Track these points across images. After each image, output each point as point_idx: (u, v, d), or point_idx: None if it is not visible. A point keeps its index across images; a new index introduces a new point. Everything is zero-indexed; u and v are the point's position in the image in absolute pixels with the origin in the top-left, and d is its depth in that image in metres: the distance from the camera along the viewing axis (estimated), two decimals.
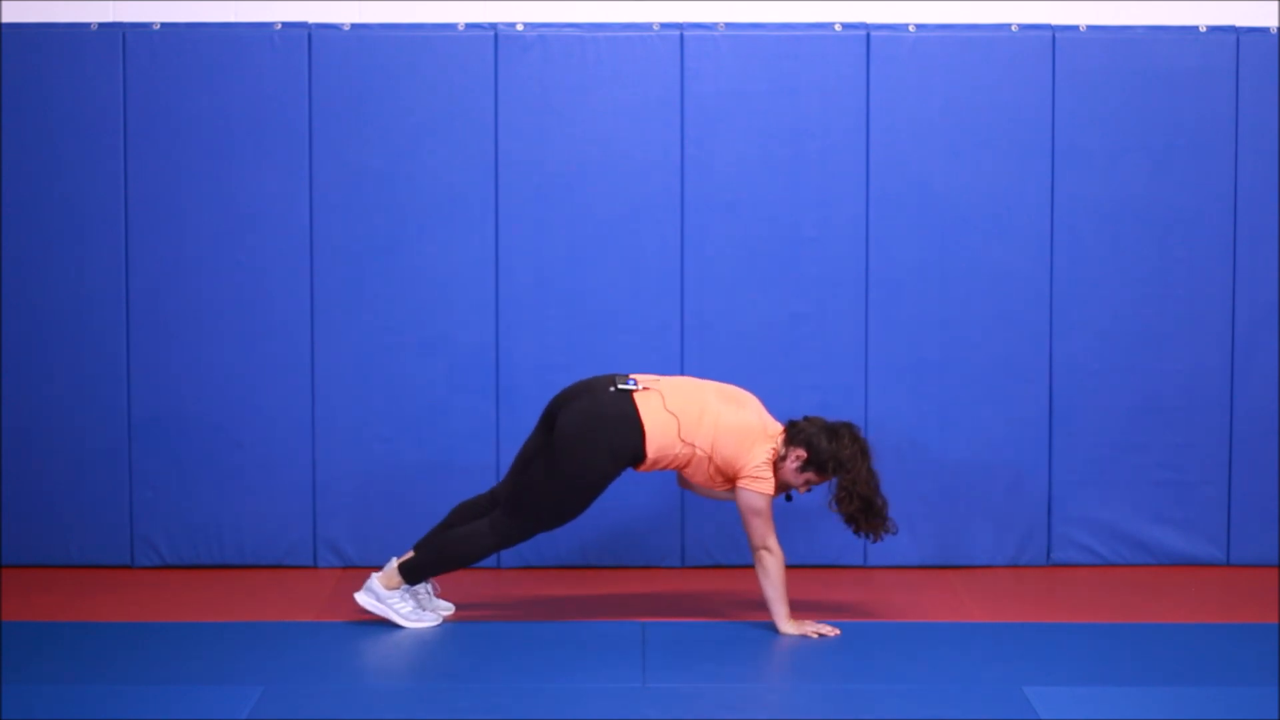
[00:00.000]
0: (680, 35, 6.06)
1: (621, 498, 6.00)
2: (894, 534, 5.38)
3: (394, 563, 5.39)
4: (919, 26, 6.07)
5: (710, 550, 6.17)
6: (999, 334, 6.13)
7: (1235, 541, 6.20)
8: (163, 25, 6.03)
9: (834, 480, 5.26)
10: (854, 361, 6.12)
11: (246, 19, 6.10)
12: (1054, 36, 6.07)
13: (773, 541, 5.23)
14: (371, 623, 5.36)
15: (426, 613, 5.40)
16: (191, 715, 4.50)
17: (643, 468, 5.30)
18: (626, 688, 4.75)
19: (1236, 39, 6.08)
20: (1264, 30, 6.09)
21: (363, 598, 5.37)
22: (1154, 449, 6.17)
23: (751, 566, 5.32)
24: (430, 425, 6.11)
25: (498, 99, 6.05)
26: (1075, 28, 6.09)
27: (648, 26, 6.07)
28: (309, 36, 6.03)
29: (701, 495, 5.51)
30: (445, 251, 6.08)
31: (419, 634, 5.30)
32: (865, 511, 5.25)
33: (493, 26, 6.06)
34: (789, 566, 5.51)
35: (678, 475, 5.53)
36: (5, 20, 6.04)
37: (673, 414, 5.24)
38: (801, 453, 5.24)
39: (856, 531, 5.31)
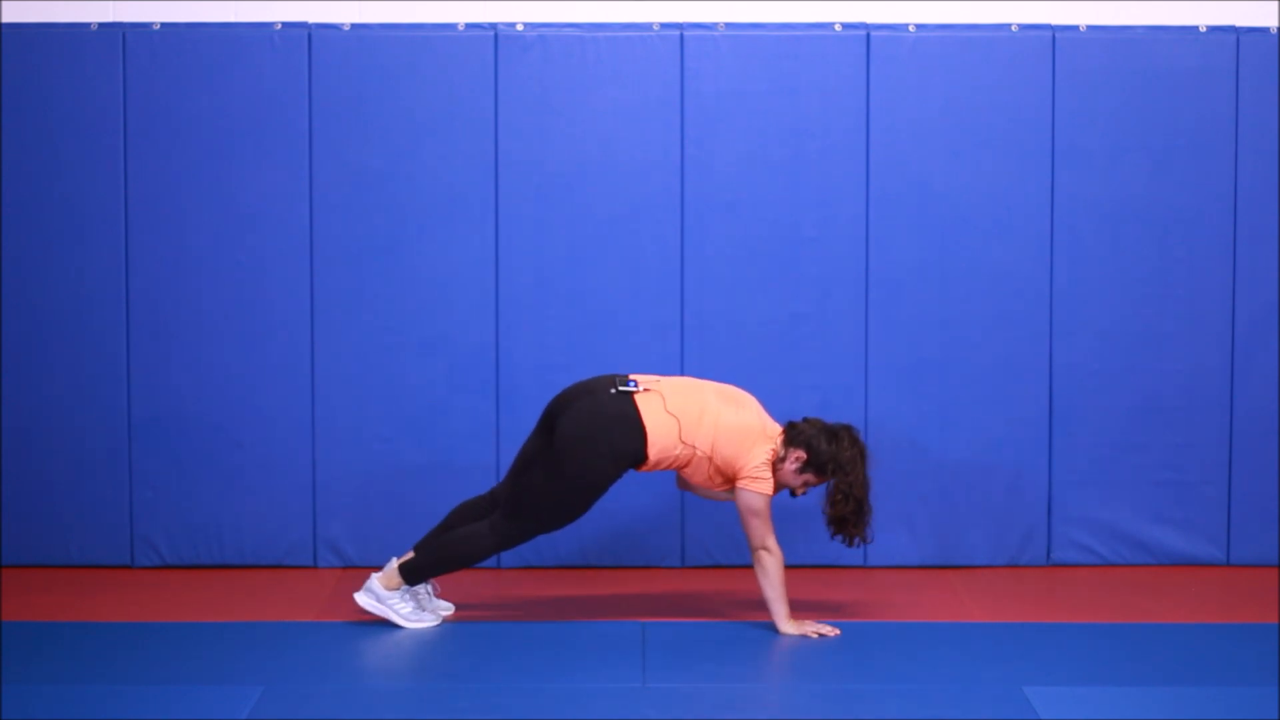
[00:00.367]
0: (680, 35, 6.06)
1: (621, 498, 6.00)
2: (869, 543, 5.38)
3: (394, 563, 5.39)
4: (919, 26, 6.07)
5: (710, 550, 6.17)
6: (999, 334, 6.13)
7: (1235, 541, 6.20)
8: (163, 25, 6.03)
9: (830, 481, 5.27)
10: (854, 361, 6.12)
11: (246, 19, 6.10)
12: (1054, 36, 6.07)
13: (772, 542, 5.23)
14: (371, 623, 5.36)
15: (426, 613, 5.40)
16: (191, 715, 4.50)
17: (643, 468, 5.31)
18: (626, 688, 4.75)
19: (1236, 39, 6.08)
20: (1264, 30, 6.09)
21: (362, 598, 5.37)
22: (1154, 449, 6.17)
23: (751, 566, 5.32)
24: (430, 425, 6.11)
25: (498, 99, 6.06)
26: (1075, 28, 6.09)
27: (648, 26, 6.07)
28: (309, 36, 6.03)
29: (701, 496, 5.52)
30: (445, 251, 6.08)
31: (419, 634, 5.30)
32: (855, 514, 5.26)
33: (493, 26, 6.06)
34: (789, 566, 5.51)
35: (676, 476, 5.53)
36: (5, 20, 6.04)
37: (673, 415, 5.24)
38: (801, 454, 5.24)
39: (836, 533, 5.31)
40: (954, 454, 6.15)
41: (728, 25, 6.08)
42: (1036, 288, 6.12)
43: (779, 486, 5.29)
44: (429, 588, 5.47)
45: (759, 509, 5.23)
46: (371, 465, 6.12)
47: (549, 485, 5.24)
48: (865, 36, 6.05)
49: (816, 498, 5.40)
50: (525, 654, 5.07)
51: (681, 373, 6.05)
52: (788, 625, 5.27)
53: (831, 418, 5.67)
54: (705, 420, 5.25)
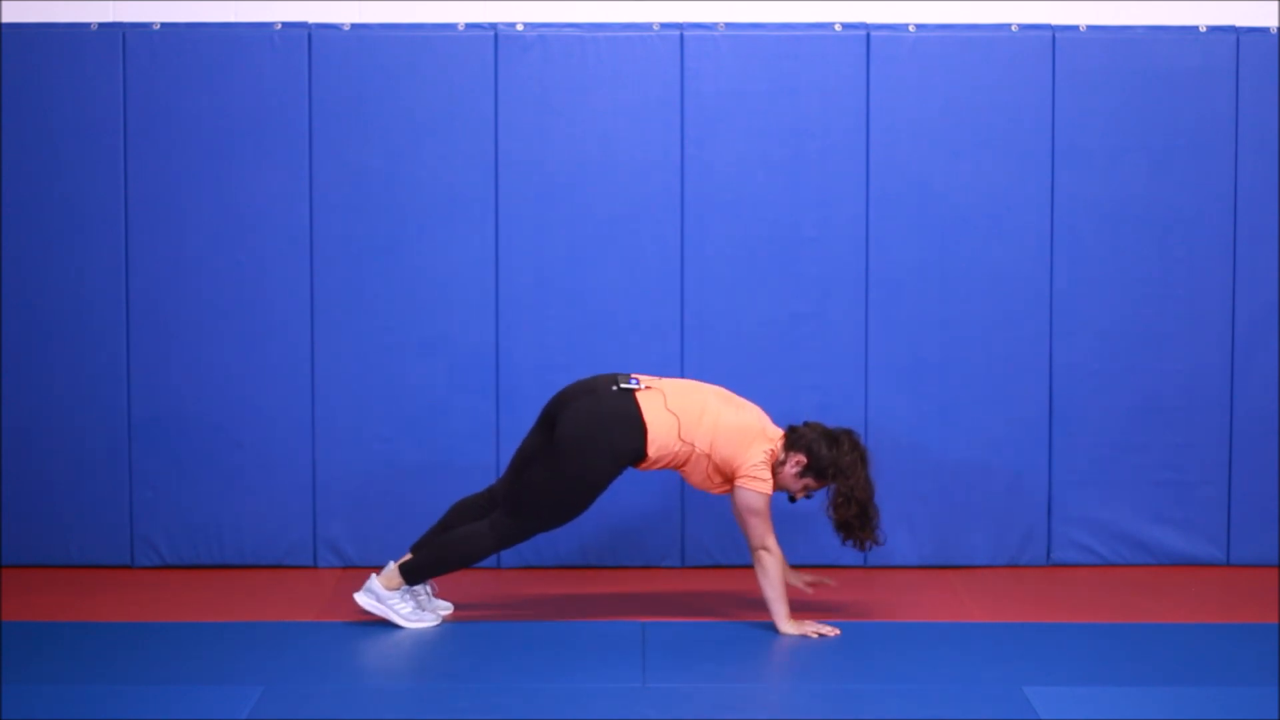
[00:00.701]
0: (680, 35, 6.06)
1: (622, 498, 6.01)
2: (880, 545, 5.38)
3: (393, 565, 5.39)
4: (919, 26, 6.07)
5: (710, 550, 6.17)
6: (999, 334, 6.13)
7: (1235, 541, 6.20)
8: (163, 25, 6.03)
9: (832, 485, 5.27)
10: (854, 361, 6.12)
11: (246, 19, 6.10)
12: (1054, 36, 6.07)
13: (771, 541, 5.23)
14: (371, 623, 5.36)
15: (426, 613, 5.40)
16: (191, 715, 4.50)
17: (643, 466, 5.31)
18: (626, 688, 4.75)
19: (1236, 39, 6.08)
20: (1264, 30, 6.09)
21: (362, 598, 5.37)
22: (1154, 449, 6.17)
23: (751, 566, 5.32)
24: (430, 425, 6.10)
25: (498, 99, 6.06)
26: (1075, 28, 6.10)
27: (648, 26, 6.07)
28: (309, 36, 6.03)
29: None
30: (445, 251, 6.08)
31: (419, 634, 5.30)
32: (860, 518, 5.26)
33: (493, 26, 6.06)
34: (789, 567, 5.52)
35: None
36: (5, 20, 6.04)
37: (673, 413, 5.24)
38: (801, 458, 5.25)
39: (846, 539, 5.32)
40: (954, 454, 6.15)
41: (728, 25, 6.08)
42: (1036, 288, 6.12)
43: (778, 489, 5.29)
44: (428, 588, 5.47)
45: (758, 508, 5.23)
46: (371, 465, 6.12)
47: (550, 483, 5.25)
48: (865, 36, 6.05)
49: (820, 502, 5.40)
50: (525, 654, 5.07)
51: (681, 373, 6.05)
52: (788, 625, 5.27)
53: (831, 418, 5.69)
54: (705, 419, 5.25)
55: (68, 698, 4.61)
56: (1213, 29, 6.09)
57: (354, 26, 6.06)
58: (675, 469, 5.36)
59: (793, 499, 5.37)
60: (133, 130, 6.03)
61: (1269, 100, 6.08)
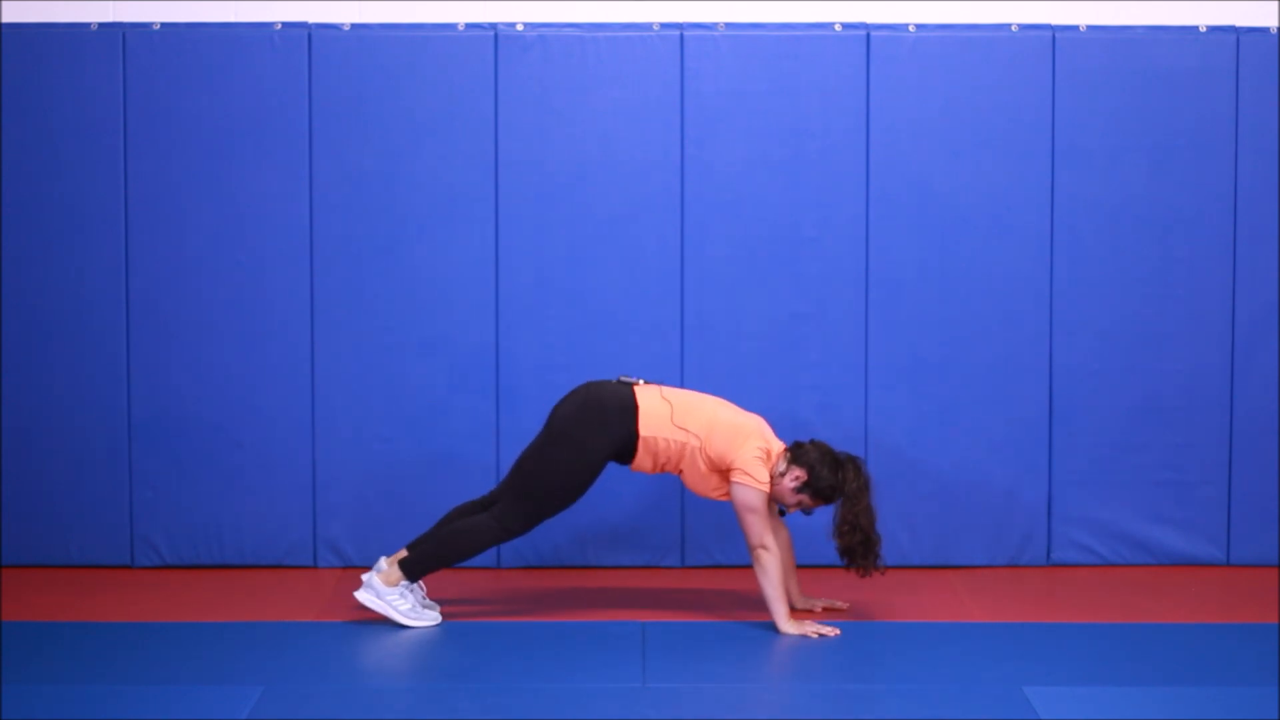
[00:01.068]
0: (680, 35, 6.06)
1: (622, 497, 6.02)
2: (882, 573, 5.43)
3: (383, 562, 5.38)
4: (919, 26, 6.07)
5: (710, 550, 6.17)
6: (999, 334, 6.13)
7: (1235, 541, 6.20)
8: (163, 25, 6.03)
9: (836, 511, 5.31)
10: (854, 361, 6.12)
11: (246, 19, 6.10)
12: (1054, 36, 6.07)
13: (770, 540, 5.24)
14: (371, 622, 5.36)
15: (426, 610, 5.40)
16: (191, 715, 4.50)
17: (638, 460, 5.31)
18: (626, 688, 4.75)
19: (1236, 39, 6.08)
20: (1264, 30, 6.09)
21: (363, 595, 5.37)
22: (1154, 449, 6.17)
23: (751, 566, 5.32)
24: (430, 425, 6.10)
25: (498, 99, 6.06)
26: (1075, 28, 6.09)
27: (648, 26, 6.07)
28: (309, 36, 6.03)
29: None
30: (445, 251, 6.08)
31: (419, 634, 5.30)
32: (864, 544, 5.30)
33: (493, 26, 6.06)
34: (802, 593, 5.53)
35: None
36: (5, 20, 6.04)
37: (668, 401, 5.32)
38: (801, 474, 5.28)
39: (850, 564, 5.36)
40: (954, 453, 6.15)
41: (728, 25, 6.08)
42: (1036, 288, 6.12)
43: (773, 498, 5.31)
44: (422, 589, 5.46)
45: (756, 505, 5.24)
46: (371, 465, 6.12)
47: (546, 464, 5.28)
48: (865, 36, 6.05)
49: (823, 520, 5.41)
50: (525, 654, 5.07)
51: (681, 373, 6.06)
52: (788, 625, 5.27)
53: (831, 418, 5.71)
54: (702, 410, 5.33)
55: (68, 698, 4.61)
56: (1213, 29, 6.09)
57: (354, 26, 6.06)
58: (672, 470, 5.37)
59: (784, 512, 5.40)
60: (133, 130, 6.03)
61: (1269, 100, 6.08)
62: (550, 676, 4.85)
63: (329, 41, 6.03)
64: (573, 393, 5.39)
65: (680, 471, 5.37)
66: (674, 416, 5.30)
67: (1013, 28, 6.08)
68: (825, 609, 5.55)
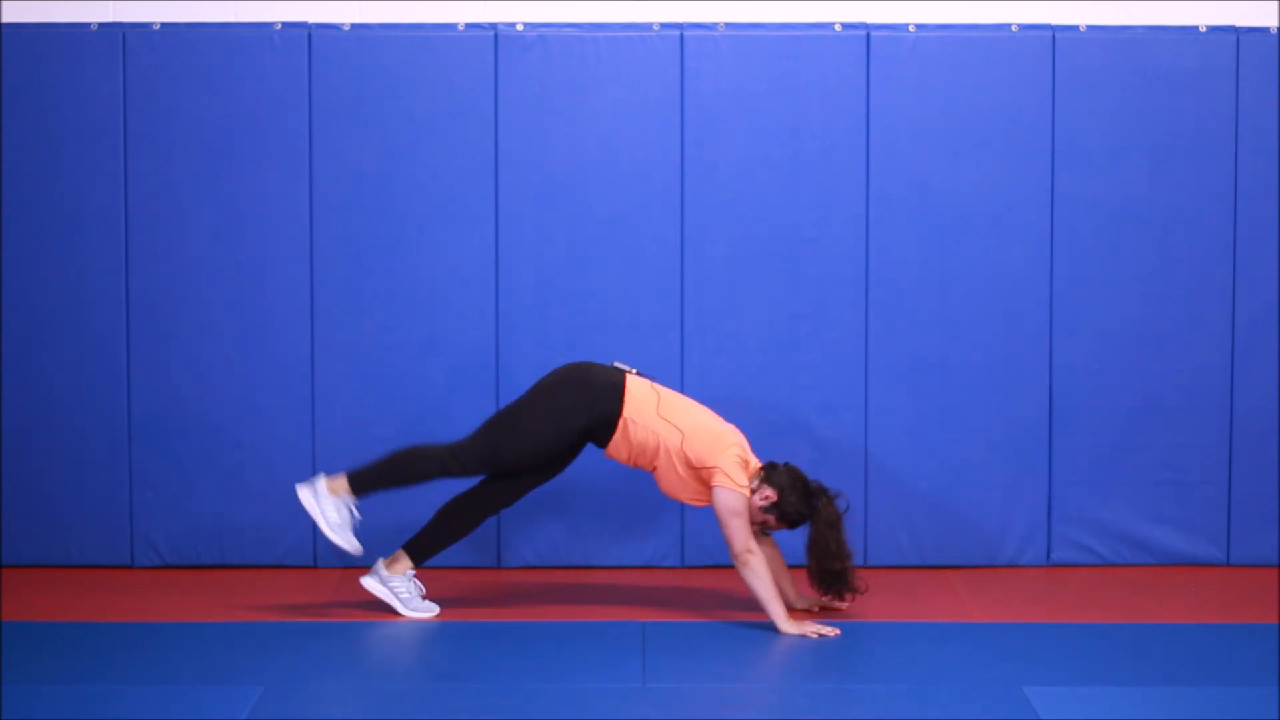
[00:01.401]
0: (680, 35, 6.06)
1: (622, 497, 6.01)
2: (860, 593, 5.45)
3: (380, 563, 5.39)
4: (919, 26, 6.07)
5: (710, 550, 6.16)
6: (999, 334, 6.13)
7: (1235, 541, 6.20)
8: (163, 25, 6.03)
9: (809, 544, 5.34)
10: (854, 361, 6.12)
11: (246, 19, 6.10)
12: (1054, 36, 6.07)
13: (754, 544, 5.28)
14: (371, 622, 5.36)
15: (426, 602, 5.43)
16: (191, 715, 4.50)
17: (614, 440, 5.33)
18: (626, 688, 4.75)
19: (1236, 39, 6.08)
20: (1264, 30, 6.09)
21: (368, 580, 5.46)
22: (1154, 449, 6.17)
23: None
24: (430, 425, 6.10)
25: (498, 99, 6.05)
26: (1075, 28, 6.09)
27: (648, 26, 6.07)
28: (309, 36, 6.03)
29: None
30: (445, 251, 6.08)
31: (419, 633, 5.30)
32: (837, 575, 5.33)
33: (493, 26, 6.06)
34: (789, 568, 5.52)
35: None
36: (5, 20, 6.04)
37: (657, 393, 5.38)
38: (771, 494, 5.31)
39: (824, 592, 5.42)
40: (954, 454, 6.15)
41: (728, 25, 6.08)
42: (1036, 288, 6.12)
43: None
44: (419, 586, 5.48)
45: (738, 508, 5.26)
46: None
47: (519, 417, 5.35)
48: (865, 36, 6.05)
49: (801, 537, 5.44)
50: (525, 654, 5.07)
51: (681, 373, 6.06)
52: (787, 625, 5.27)
53: (831, 417, 5.71)
54: (687, 412, 5.37)
55: (68, 698, 4.61)
56: (1213, 29, 6.09)
57: (354, 26, 6.06)
58: (646, 467, 5.38)
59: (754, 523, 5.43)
60: (133, 130, 6.03)
61: (1269, 100, 6.08)
62: (550, 676, 4.85)
63: (329, 41, 6.03)
64: (565, 365, 5.46)
65: (655, 469, 5.38)
66: (659, 407, 5.33)
67: (1013, 28, 6.08)
68: (824, 608, 5.55)
